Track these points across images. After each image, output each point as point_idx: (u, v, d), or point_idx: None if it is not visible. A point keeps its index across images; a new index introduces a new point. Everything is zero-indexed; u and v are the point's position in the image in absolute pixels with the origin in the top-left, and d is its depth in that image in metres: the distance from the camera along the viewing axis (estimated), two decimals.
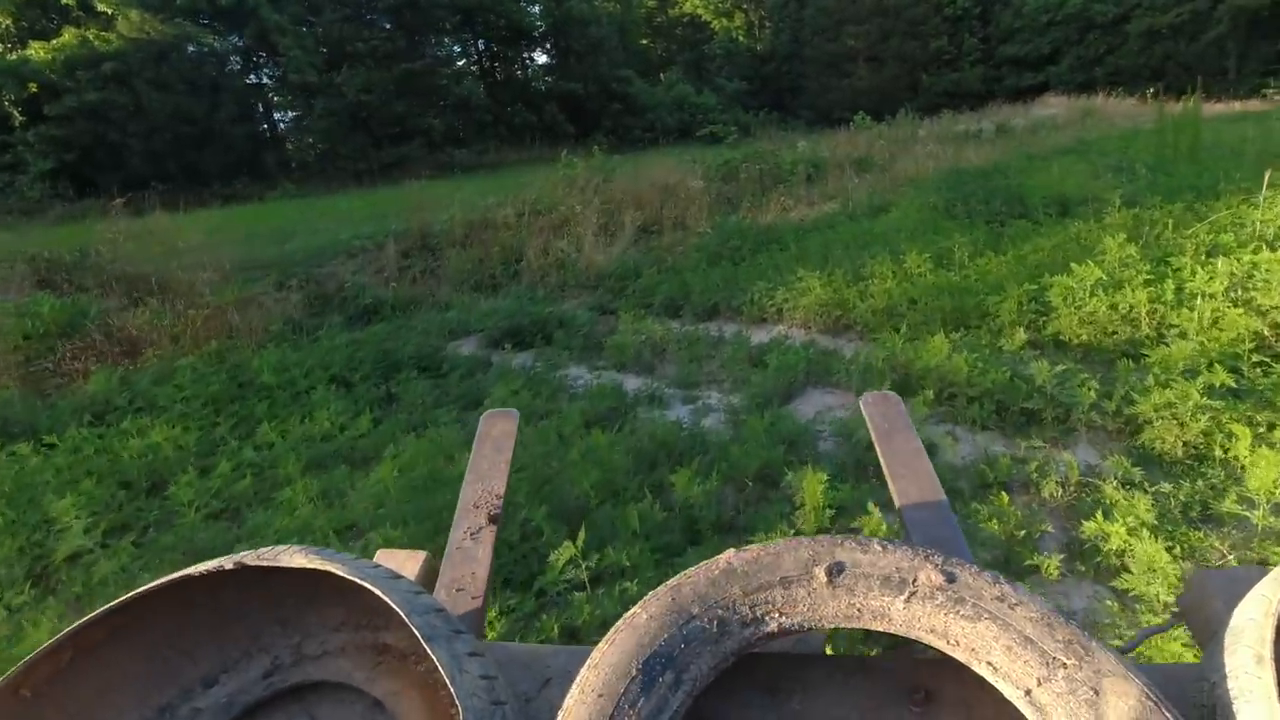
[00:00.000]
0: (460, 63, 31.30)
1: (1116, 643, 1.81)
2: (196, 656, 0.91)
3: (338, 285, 8.99)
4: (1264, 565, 1.12)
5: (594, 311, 7.34)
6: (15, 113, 18.90)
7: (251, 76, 23.20)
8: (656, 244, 9.15)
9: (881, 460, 1.26)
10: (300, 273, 9.40)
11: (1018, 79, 36.80)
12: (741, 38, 43.74)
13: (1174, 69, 31.92)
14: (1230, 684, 0.69)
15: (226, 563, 0.82)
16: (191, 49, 19.47)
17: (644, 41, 43.19)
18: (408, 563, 1.15)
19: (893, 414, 1.32)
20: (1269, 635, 0.69)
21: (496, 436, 1.36)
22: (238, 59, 22.23)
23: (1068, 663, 0.69)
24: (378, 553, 1.21)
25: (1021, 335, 4.90)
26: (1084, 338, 4.66)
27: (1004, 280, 5.43)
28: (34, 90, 18.71)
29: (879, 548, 0.79)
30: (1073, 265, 5.68)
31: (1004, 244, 6.88)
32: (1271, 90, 25.04)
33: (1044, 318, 4.95)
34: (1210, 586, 0.95)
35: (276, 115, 24.39)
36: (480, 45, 31.98)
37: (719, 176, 12.26)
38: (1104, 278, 4.75)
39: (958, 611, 0.75)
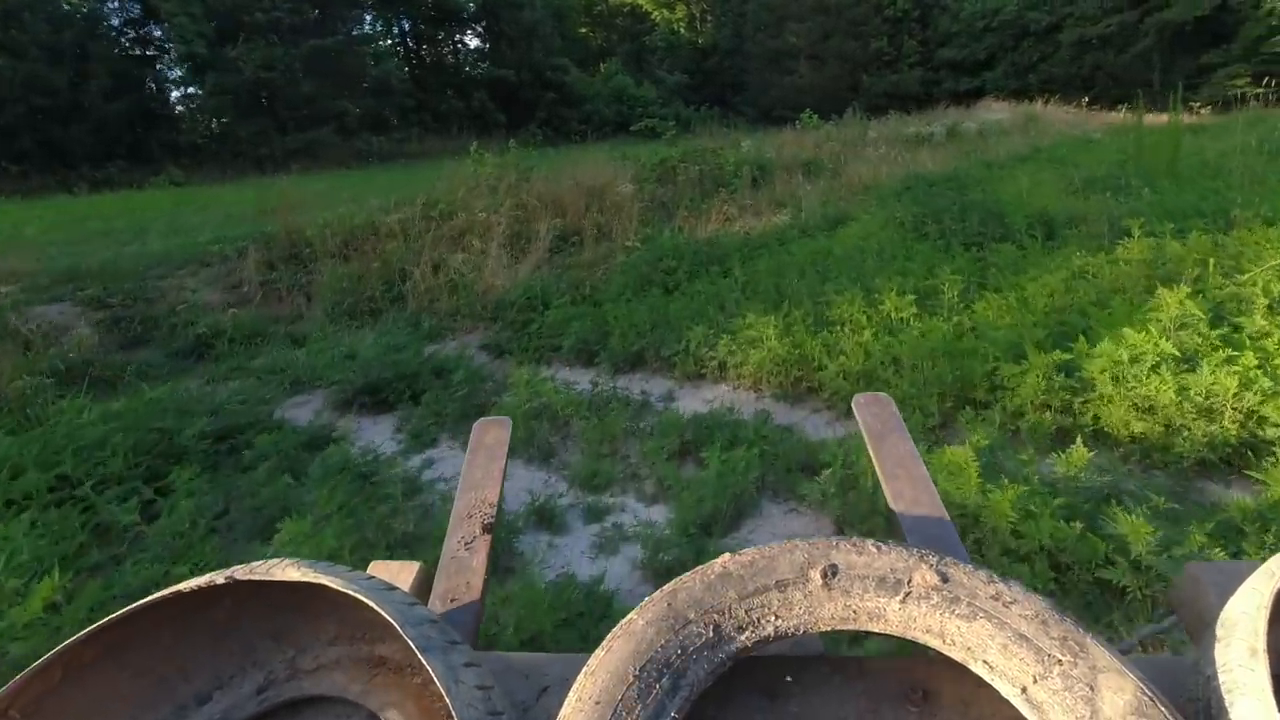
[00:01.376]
0: (385, 43, 28.72)
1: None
2: (189, 673, 0.88)
3: (172, 306, 7.03)
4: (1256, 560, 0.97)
5: (487, 353, 5.69)
6: None
7: (138, 48, 20.24)
8: (575, 260, 7.52)
9: (875, 462, 1.21)
10: (129, 288, 7.37)
11: (955, 83, 36.58)
12: (683, 30, 42.32)
13: (1103, 78, 32.21)
14: (1224, 677, 0.68)
15: (218, 577, 0.80)
16: (50, 9, 16.59)
17: (582, 30, 41.20)
18: (401, 574, 1.10)
19: (885, 415, 1.28)
20: (1262, 628, 0.67)
21: (490, 445, 1.32)
22: (116, 25, 19.29)
23: (1063, 659, 0.68)
24: (371, 564, 1.13)
25: (1048, 419, 3.54)
26: (1139, 431, 3.32)
27: (1015, 336, 4.06)
28: None
29: (874, 549, 0.78)
30: (1091, 311, 4.39)
31: (993, 276, 5.57)
32: (1197, 103, 25.19)
33: (1079, 397, 3.59)
34: (1203, 580, 0.92)
35: (174, 92, 21.46)
36: (405, 24, 29.46)
37: (654, 177, 10.70)
38: (1169, 350, 3.40)
39: (953, 611, 0.74)
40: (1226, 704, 0.67)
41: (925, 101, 32.84)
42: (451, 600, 1.04)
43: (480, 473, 1.26)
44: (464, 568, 1.09)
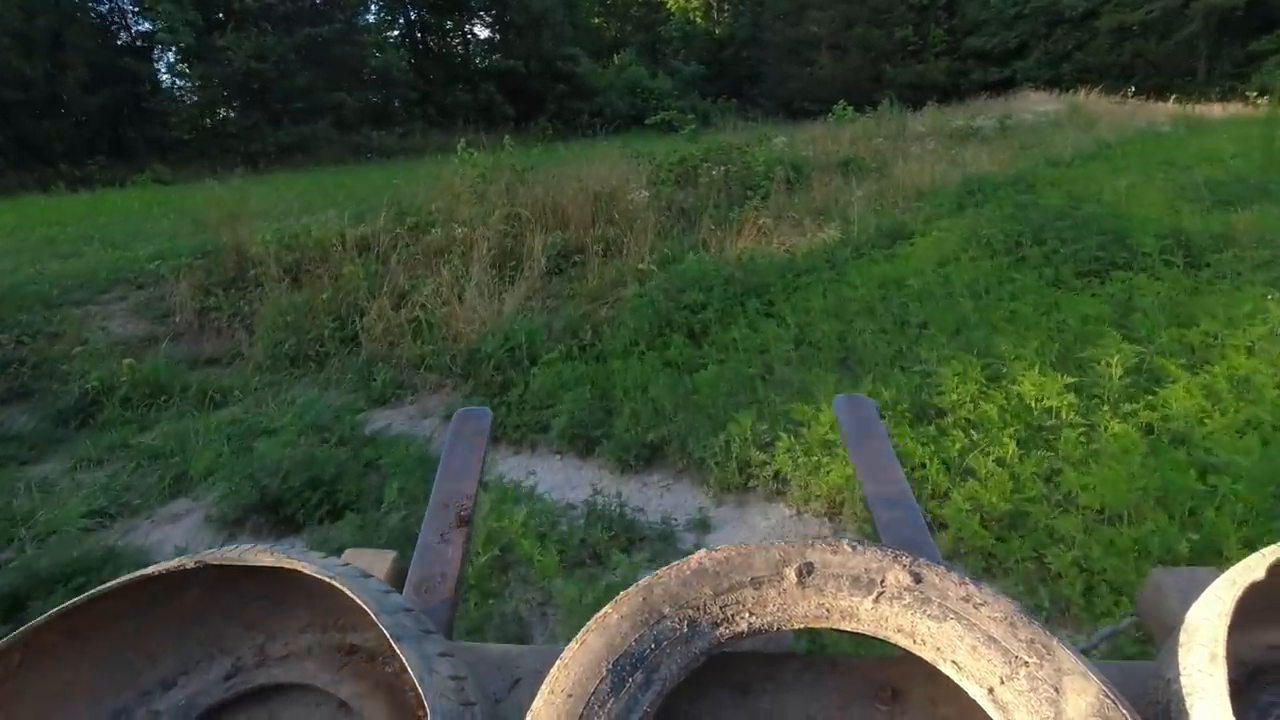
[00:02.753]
0: (392, 34, 27.16)
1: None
2: (155, 659, 0.85)
3: (77, 344, 5.56)
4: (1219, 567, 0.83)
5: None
6: None
7: (120, 36, 18.81)
8: (575, 288, 5.95)
9: (854, 463, 1.22)
10: (29, 319, 5.91)
11: (984, 73, 34.52)
12: (699, 19, 40.44)
13: (1144, 67, 30.09)
14: (1184, 681, 0.68)
15: (188, 562, 0.78)
16: None
17: (595, 20, 39.44)
18: (376, 563, 1.06)
19: (865, 417, 1.28)
20: (1222, 635, 0.67)
21: (468, 435, 1.27)
22: (98, 11, 17.83)
23: (1030, 661, 0.68)
24: (345, 552, 1.09)
25: None
26: None
27: (1267, 464, 2.47)
28: None
29: (849, 549, 0.77)
30: None
31: (1140, 324, 3.95)
32: (1253, 93, 23.03)
33: None
34: (1166, 586, 0.92)
35: (160, 84, 20.01)
36: (410, 14, 27.89)
37: (672, 179, 9.10)
38: None
39: (924, 611, 0.73)
40: (1186, 707, 0.67)
41: (952, 93, 30.92)
42: (426, 591, 1.00)
43: (458, 463, 1.21)
44: (440, 558, 1.05)
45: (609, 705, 0.69)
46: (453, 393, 4.59)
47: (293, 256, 6.38)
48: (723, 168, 9.23)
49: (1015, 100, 21.81)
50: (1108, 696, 0.65)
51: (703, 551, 0.78)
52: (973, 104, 20.96)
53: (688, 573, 0.76)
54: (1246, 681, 0.78)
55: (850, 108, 13.51)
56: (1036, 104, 20.29)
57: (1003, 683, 0.69)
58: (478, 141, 10.46)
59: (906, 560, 0.76)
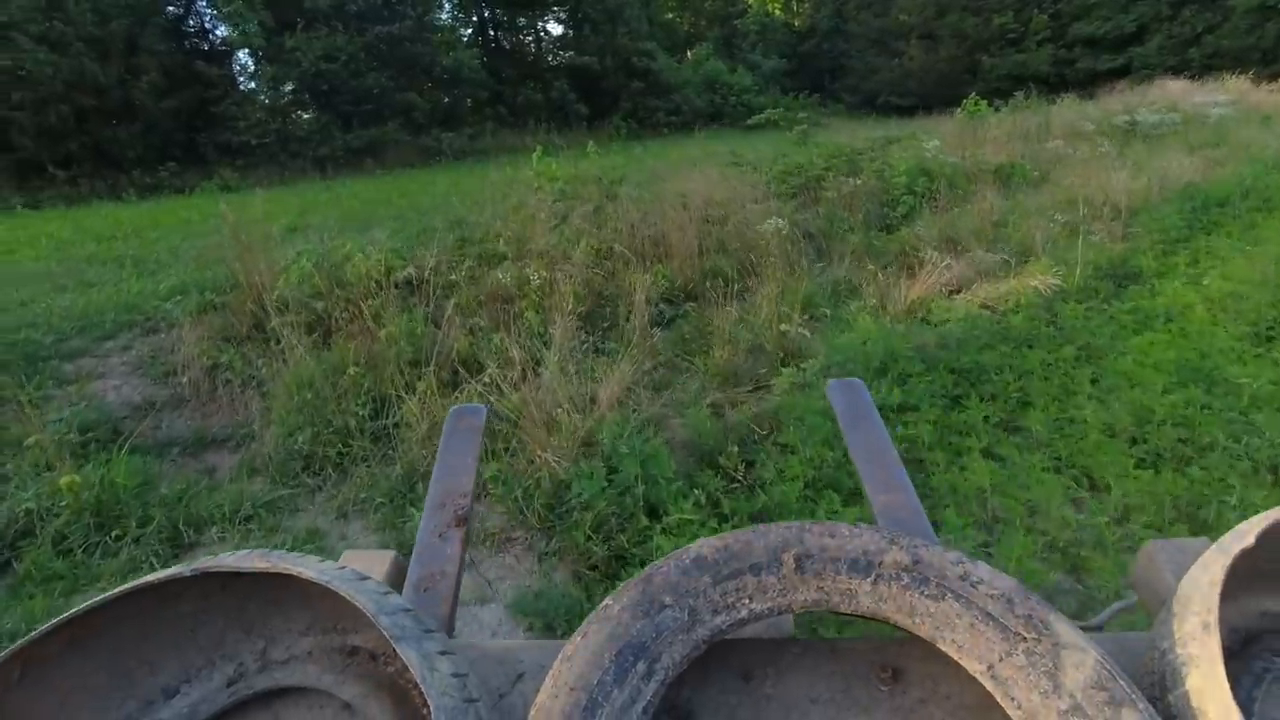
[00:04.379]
0: (466, 32, 26.02)
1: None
2: (157, 667, 0.83)
3: (38, 427, 4.15)
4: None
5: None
6: None
7: (190, 40, 18.11)
8: (697, 364, 4.17)
9: (849, 446, 1.19)
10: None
11: (1093, 60, 30.86)
12: (778, 11, 37.94)
13: None
14: (1178, 650, 0.67)
15: (185, 570, 0.76)
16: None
17: (670, 15, 37.47)
18: (375, 563, 1.05)
19: (858, 401, 1.26)
20: (1214, 603, 0.66)
21: (464, 432, 1.24)
22: (169, 16, 17.10)
23: (1027, 636, 0.68)
24: (344, 553, 1.09)
25: None
26: None
27: None
28: None
29: (846, 532, 0.77)
30: None
31: None
32: None
33: None
34: (1159, 558, 0.92)
35: (229, 87, 19.25)
36: (484, 11, 26.66)
37: (789, 194, 7.20)
38: None
39: (922, 591, 0.73)
40: (1181, 676, 0.66)
41: (1056, 84, 27.66)
42: (425, 589, 0.98)
43: (455, 461, 1.19)
44: (438, 556, 1.02)
45: (613, 696, 0.67)
46: (526, 555, 2.88)
47: (321, 304, 4.83)
48: (852, 179, 7.27)
49: (1152, 90, 18.70)
50: (1104, 668, 0.64)
51: (701, 540, 0.77)
52: (1105, 97, 18.04)
53: (687, 562, 0.75)
54: (1240, 648, 0.77)
55: (984, 101, 11.21)
56: (1185, 94, 17.21)
57: (1002, 659, 0.68)
58: (550, 143, 8.88)
59: (904, 541, 0.75)
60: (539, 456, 3.11)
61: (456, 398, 3.75)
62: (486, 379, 3.78)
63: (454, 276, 4.83)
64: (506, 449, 3.36)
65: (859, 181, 7.17)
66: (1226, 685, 0.60)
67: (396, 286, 5.02)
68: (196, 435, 4.35)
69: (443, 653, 0.72)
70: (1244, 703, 0.68)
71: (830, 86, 33.76)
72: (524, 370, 3.82)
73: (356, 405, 3.91)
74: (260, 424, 4.30)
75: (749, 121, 11.84)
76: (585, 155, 7.38)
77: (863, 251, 5.77)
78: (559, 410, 3.44)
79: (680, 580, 0.74)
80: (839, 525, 0.78)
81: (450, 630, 0.94)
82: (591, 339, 4.46)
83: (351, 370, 3.96)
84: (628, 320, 4.48)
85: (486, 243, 5.61)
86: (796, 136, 9.12)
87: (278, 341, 4.78)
